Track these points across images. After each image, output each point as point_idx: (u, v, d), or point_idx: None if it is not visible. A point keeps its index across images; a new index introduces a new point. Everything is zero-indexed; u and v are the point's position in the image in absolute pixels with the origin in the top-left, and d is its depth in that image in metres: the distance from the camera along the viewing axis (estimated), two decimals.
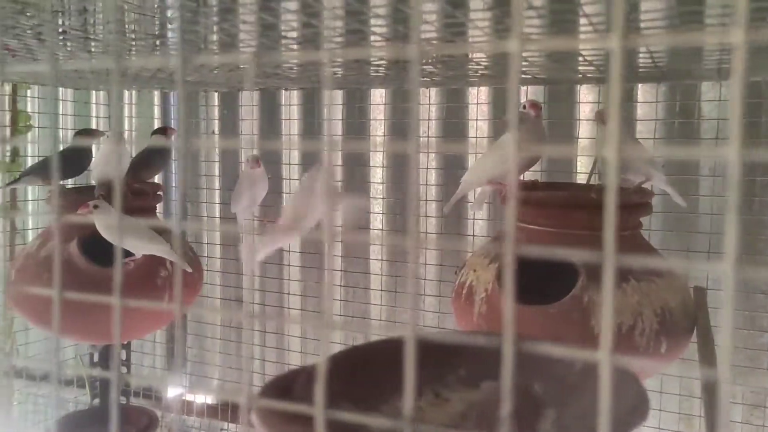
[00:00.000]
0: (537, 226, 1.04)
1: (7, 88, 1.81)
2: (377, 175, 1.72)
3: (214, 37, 1.03)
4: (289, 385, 0.49)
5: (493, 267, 1.05)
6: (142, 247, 1.32)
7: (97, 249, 1.31)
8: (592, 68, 1.22)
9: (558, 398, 0.52)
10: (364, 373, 0.54)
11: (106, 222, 1.24)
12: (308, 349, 1.80)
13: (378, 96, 1.70)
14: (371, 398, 0.52)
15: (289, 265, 1.79)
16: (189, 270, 1.39)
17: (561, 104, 1.51)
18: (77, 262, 1.32)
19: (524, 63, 1.19)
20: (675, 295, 0.98)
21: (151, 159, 1.48)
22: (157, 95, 1.93)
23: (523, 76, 1.36)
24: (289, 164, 1.78)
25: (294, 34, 0.95)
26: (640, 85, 1.42)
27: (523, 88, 1.56)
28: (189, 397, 1.87)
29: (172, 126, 1.89)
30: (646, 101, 1.42)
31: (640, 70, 1.17)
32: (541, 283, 0.95)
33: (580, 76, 1.35)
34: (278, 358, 1.82)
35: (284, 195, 1.77)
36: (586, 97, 1.50)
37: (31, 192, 1.85)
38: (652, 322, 0.94)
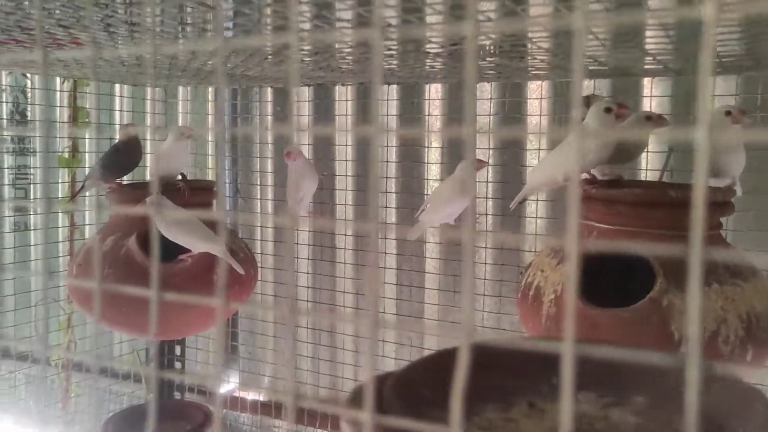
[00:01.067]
0: (608, 225, 0.99)
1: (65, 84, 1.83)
2: (432, 171, 1.68)
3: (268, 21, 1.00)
4: (378, 390, 0.47)
5: (562, 268, 1.01)
6: (197, 245, 1.32)
7: (159, 244, 1.31)
8: (654, 60, 1.17)
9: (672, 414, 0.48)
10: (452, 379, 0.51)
11: (162, 218, 1.24)
12: (362, 348, 1.78)
13: (433, 91, 1.67)
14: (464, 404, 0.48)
15: (344, 263, 1.77)
16: (241, 271, 1.37)
17: (627, 98, 1.45)
18: (136, 257, 1.32)
19: (587, 56, 1.14)
20: (762, 300, 0.92)
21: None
22: (211, 91, 1.93)
23: (588, 66, 1.31)
24: (346, 161, 1.75)
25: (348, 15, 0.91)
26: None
27: (587, 82, 1.51)
28: (241, 394, 1.87)
29: (228, 123, 1.90)
30: (724, 94, 1.35)
31: (722, 59, 1.11)
32: (623, 288, 0.91)
33: (648, 67, 1.29)
34: (331, 357, 1.81)
35: (337, 192, 1.75)
36: (652, 90, 1.43)
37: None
38: (737, 329, 0.88)
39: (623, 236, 0.97)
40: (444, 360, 0.55)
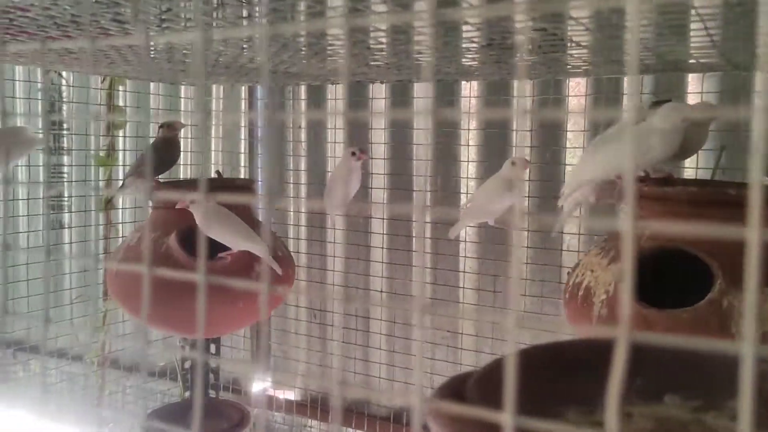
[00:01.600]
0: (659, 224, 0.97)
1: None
2: (467, 170, 1.66)
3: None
4: (461, 388, 0.46)
5: (613, 267, 0.99)
6: (237, 243, 1.32)
7: (196, 242, 1.31)
8: (702, 54, 1.14)
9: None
10: (534, 378, 0.50)
11: (203, 215, 1.24)
12: (395, 347, 1.76)
13: (468, 89, 1.65)
14: (542, 406, 0.47)
15: (380, 261, 1.76)
16: (279, 272, 1.37)
17: (672, 95, 1.42)
18: (176, 255, 1.32)
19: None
20: None
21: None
22: (244, 90, 1.93)
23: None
24: (383, 159, 1.74)
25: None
26: None
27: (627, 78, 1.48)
28: (274, 393, 1.86)
29: (260, 121, 1.90)
30: None
31: None
32: (680, 290, 0.89)
33: (693, 62, 1.26)
34: (364, 356, 1.80)
35: (371, 189, 1.74)
36: (703, 85, 1.41)
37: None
38: None
39: (679, 235, 0.95)
40: (524, 360, 0.53)
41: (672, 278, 0.99)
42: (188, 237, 1.35)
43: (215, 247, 1.32)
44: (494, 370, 0.49)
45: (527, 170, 1.21)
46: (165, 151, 1.42)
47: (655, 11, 0.90)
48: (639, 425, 0.45)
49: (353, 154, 1.27)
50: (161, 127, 1.48)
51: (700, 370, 0.51)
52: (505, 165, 1.20)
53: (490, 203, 1.20)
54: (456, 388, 0.46)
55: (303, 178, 1.87)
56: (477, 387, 0.46)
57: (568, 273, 1.12)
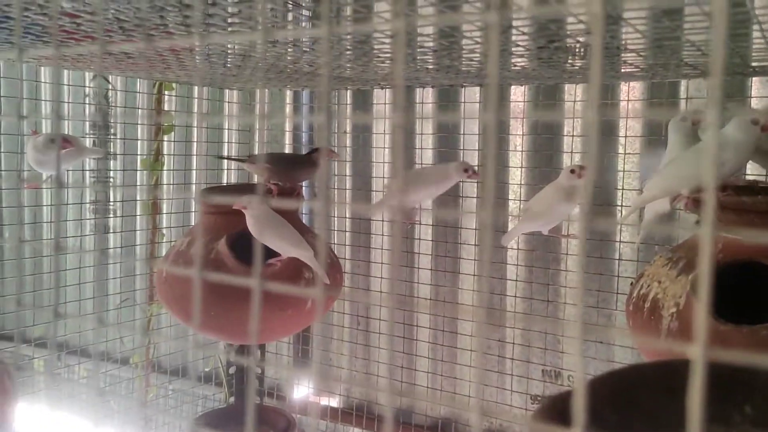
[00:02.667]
0: (736, 236, 0.93)
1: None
2: (516, 176, 1.63)
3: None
4: (564, 408, 0.43)
5: (684, 279, 0.95)
6: (287, 249, 1.30)
7: (246, 247, 1.30)
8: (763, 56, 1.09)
9: None
10: (632, 401, 0.47)
11: (255, 220, 1.23)
12: (437, 355, 1.74)
13: (519, 93, 1.62)
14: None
15: (429, 269, 1.74)
16: (326, 281, 1.35)
17: (730, 100, 1.38)
18: (226, 261, 1.32)
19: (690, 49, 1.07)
20: None
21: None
22: (289, 94, 1.92)
23: (684, 69, 1.24)
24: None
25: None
26: None
27: (683, 82, 1.44)
28: (317, 399, 1.85)
29: (305, 126, 1.89)
30: None
31: None
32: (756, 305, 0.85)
33: (756, 65, 1.21)
34: (407, 363, 1.77)
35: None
36: (758, 91, 1.36)
37: (173, 190, 1.88)
38: None
39: (753, 247, 0.91)
40: (627, 376, 0.51)
41: (747, 293, 0.95)
42: (238, 242, 1.34)
43: (264, 254, 1.31)
44: (596, 389, 0.47)
45: (584, 178, 1.17)
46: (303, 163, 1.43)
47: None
48: None
49: (465, 170, 1.22)
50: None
51: None
52: (563, 173, 1.17)
53: (549, 212, 1.17)
54: (559, 408, 0.44)
55: (347, 184, 1.85)
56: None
57: (631, 283, 1.08)
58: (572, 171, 1.15)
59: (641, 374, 0.52)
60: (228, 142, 1.96)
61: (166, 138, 1.89)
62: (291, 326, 1.45)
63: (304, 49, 0.97)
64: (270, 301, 1.28)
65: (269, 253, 1.33)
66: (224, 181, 1.95)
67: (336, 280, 1.42)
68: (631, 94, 1.52)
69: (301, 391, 1.89)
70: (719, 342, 0.84)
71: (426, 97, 1.71)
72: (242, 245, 1.33)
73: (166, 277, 1.37)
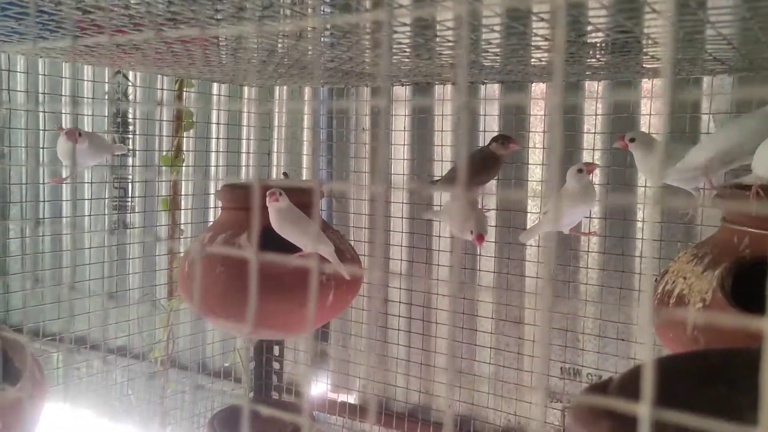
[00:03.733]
0: (765, 231, 0.92)
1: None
2: (536, 173, 1.63)
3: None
4: (603, 393, 0.43)
5: (710, 275, 0.94)
6: (308, 245, 1.31)
7: (268, 242, 1.31)
8: None
9: None
10: (674, 388, 0.47)
11: (278, 212, 1.24)
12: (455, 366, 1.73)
13: (538, 91, 1.62)
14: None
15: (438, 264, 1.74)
16: (346, 276, 1.35)
17: (752, 98, 1.37)
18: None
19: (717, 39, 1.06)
20: None
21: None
22: (308, 91, 1.93)
23: (712, 62, 1.23)
24: (441, 161, 1.72)
25: None
26: None
27: (707, 78, 1.43)
28: (333, 396, 1.85)
29: (323, 123, 1.89)
30: None
31: None
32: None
33: None
34: (425, 360, 1.77)
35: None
36: None
37: (191, 187, 1.90)
38: None
39: None
40: (664, 368, 0.50)
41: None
42: (259, 237, 1.34)
43: (286, 249, 1.32)
44: (634, 377, 0.47)
45: (595, 174, 1.16)
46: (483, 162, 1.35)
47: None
48: None
49: (579, 171, 1.15)
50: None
51: None
52: (570, 173, 1.14)
53: (568, 216, 1.17)
54: (598, 393, 0.44)
55: (365, 180, 1.86)
56: (618, 392, 0.44)
57: (656, 280, 1.07)
58: (579, 170, 1.13)
59: (675, 365, 0.52)
60: (246, 139, 1.97)
61: (185, 134, 1.91)
62: (312, 321, 1.46)
63: (330, 43, 0.98)
64: (290, 295, 1.29)
65: (290, 249, 1.33)
66: (242, 178, 1.96)
67: (355, 277, 1.42)
68: (650, 91, 1.51)
69: (319, 387, 1.90)
70: (746, 337, 0.84)
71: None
72: (265, 240, 1.34)
73: (188, 271, 1.38)
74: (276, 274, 1.28)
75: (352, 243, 1.83)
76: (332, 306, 1.38)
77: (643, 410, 0.31)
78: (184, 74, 1.59)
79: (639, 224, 1.51)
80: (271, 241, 1.24)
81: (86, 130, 1.59)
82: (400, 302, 1.78)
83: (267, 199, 1.20)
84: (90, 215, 2.01)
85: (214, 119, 1.95)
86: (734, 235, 0.96)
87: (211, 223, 1.67)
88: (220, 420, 1.47)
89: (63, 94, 1.99)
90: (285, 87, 1.94)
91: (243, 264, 1.30)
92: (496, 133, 1.64)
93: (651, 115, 1.49)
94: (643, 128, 1.49)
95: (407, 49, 1.17)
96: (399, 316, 1.78)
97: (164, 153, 1.80)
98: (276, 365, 1.77)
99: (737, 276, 0.94)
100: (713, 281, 0.93)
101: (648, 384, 0.29)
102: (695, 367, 0.52)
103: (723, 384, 0.47)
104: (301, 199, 1.44)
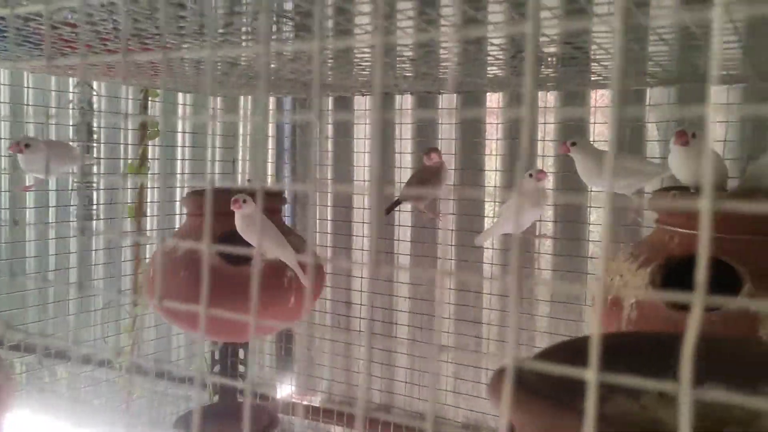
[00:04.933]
0: (692, 230, 1.00)
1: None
2: (492, 179, 1.70)
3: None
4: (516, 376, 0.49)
5: (643, 272, 1.02)
6: (271, 250, 1.35)
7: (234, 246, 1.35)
8: (729, 65, 1.16)
9: None
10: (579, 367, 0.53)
11: (243, 217, 1.28)
12: (416, 365, 1.79)
13: (494, 100, 1.69)
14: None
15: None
16: (306, 283, 1.39)
17: (691, 108, 1.45)
18: (212, 261, 1.36)
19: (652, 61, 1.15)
20: None
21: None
22: (272, 100, 1.98)
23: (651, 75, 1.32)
24: (401, 167, 1.78)
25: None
26: None
27: (649, 90, 1.51)
28: (298, 399, 1.89)
29: (287, 132, 1.94)
30: None
31: None
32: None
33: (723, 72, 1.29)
34: (387, 360, 1.83)
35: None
36: (720, 98, 1.44)
37: (157, 193, 1.92)
38: None
39: (710, 242, 0.98)
40: (572, 348, 0.57)
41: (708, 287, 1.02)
42: (223, 243, 1.38)
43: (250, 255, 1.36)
44: (547, 356, 0.53)
45: (546, 180, 1.24)
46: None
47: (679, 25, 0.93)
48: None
49: (530, 176, 1.22)
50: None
51: (740, 360, 0.54)
52: (525, 179, 1.22)
53: (518, 219, 1.24)
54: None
55: (329, 187, 1.91)
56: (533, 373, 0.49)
57: (596, 279, 1.15)
58: (530, 175, 1.21)
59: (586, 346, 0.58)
60: (212, 147, 2.01)
61: (150, 143, 1.94)
62: (275, 323, 1.50)
63: (289, 58, 1.03)
64: (249, 297, 1.33)
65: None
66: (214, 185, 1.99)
67: (315, 281, 1.47)
68: (600, 101, 1.59)
69: (284, 389, 1.94)
70: (674, 327, 0.91)
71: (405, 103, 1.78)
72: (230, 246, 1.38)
73: (153, 276, 1.41)
74: (237, 277, 1.33)
75: (316, 248, 1.88)
76: (294, 309, 1.43)
77: (590, 376, 0.31)
78: (149, 84, 1.63)
79: (590, 227, 1.59)
80: (238, 246, 1.28)
81: (50, 139, 1.61)
82: (360, 304, 1.84)
83: (232, 205, 1.24)
84: (55, 222, 2.03)
85: (180, 128, 1.98)
86: (666, 235, 1.04)
87: (176, 230, 1.70)
88: (183, 423, 1.50)
89: (26, 103, 2.01)
90: (250, 97, 1.98)
91: (208, 269, 1.34)
92: (453, 141, 1.71)
93: (596, 124, 1.57)
94: (592, 137, 1.57)
95: (363, 63, 1.24)
96: (361, 318, 1.83)
97: (129, 161, 1.83)
98: (241, 368, 1.80)
99: (668, 273, 1.02)
100: (645, 278, 1.00)
101: (594, 353, 0.31)
102: (605, 346, 0.58)
103: (624, 361, 0.54)
104: (265, 205, 1.50)
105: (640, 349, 0.61)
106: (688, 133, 1.01)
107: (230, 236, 1.34)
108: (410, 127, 1.77)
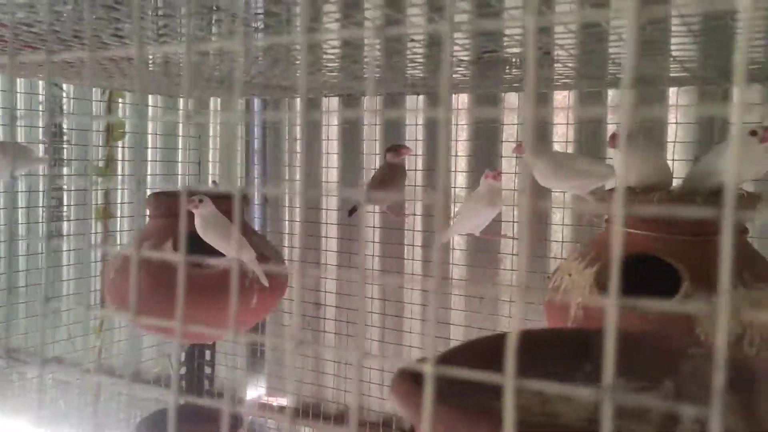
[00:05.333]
0: (638, 231, 1.02)
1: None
2: (457, 180, 1.71)
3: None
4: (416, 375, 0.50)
5: (589, 271, 1.03)
6: (230, 251, 1.35)
7: (195, 248, 1.35)
8: (681, 68, 1.18)
9: (695, 395, 0.51)
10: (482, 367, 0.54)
11: (203, 219, 1.29)
12: (387, 352, 1.80)
13: (458, 101, 1.70)
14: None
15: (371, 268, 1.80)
16: (265, 283, 1.39)
17: (650, 110, 1.47)
18: (172, 262, 1.37)
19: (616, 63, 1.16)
20: None
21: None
22: (242, 102, 1.98)
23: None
24: (366, 169, 1.79)
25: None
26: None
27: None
28: (268, 400, 1.90)
29: (257, 133, 1.95)
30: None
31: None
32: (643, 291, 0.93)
33: (674, 75, 1.30)
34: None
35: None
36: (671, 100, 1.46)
37: (127, 195, 1.92)
38: (762, 332, 0.90)
39: (652, 242, 1.00)
40: (483, 346, 0.58)
41: (649, 285, 1.04)
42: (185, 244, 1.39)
43: (214, 255, 1.37)
44: (449, 358, 0.54)
45: (500, 181, 1.26)
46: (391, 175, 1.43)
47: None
48: (583, 403, 0.50)
49: (486, 177, 1.26)
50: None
51: (645, 356, 0.55)
52: (481, 180, 1.25)
53: (474, 218, 1.27)
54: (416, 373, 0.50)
55: (298, 188, 1.91)
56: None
57: (548, 277, 1.16)
58: (486, 176, 1.23)
59: (492, 344, 0.59)
60: (182, 149, 2.01)
61: (118, 144, 1.94)
62: (236, 324, 1.50)
63: (259, 60, 1.04)
64: (212, 299, 1.33)
65: (216, 255, 1.38)
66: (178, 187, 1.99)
67: (279, 281, 1.47)
68: (564, 102, 1.61)
69: (254, 391, 1.94)
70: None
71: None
72: (190, 247, 1.38)
73: (114, 278, 1.42)
74: (198, 278, 1.33)
75: (287, 249, 1.89)
76: (257, 309, 1.43)
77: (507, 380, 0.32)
78: (118, 87, 1.63)
79: (553, 227, 1.60)
80: (198, 247, 1.29)
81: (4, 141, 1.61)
82: (325, 305, 1.84)
83: (188, 205, 1.25)
84: (26, 223, 2.02)
85: (150, 129, 1.98)
86: (612, 235, 1.05)
87: (139, 232, 1.70)
88: (147, 424, 1.50)
89: None
90: (219, 99, 1.99)
91: (165, 269, 1.35)
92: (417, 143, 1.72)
93: (557, 125, 1.59)
94: (554, 137, 1.59)
95: (329, 65, 1.24)
96: (326, 319, 1.84)
97: (96, 163, 1.83)
98: (208, 370, 1.80)
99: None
100: (591, 277, 1.02)
101: (511, 353, 0.31)
102: (500, 348, 0.59)
103: (532, 356, 0.55)
104: (229, 206, 1.50)
105: (559, 346, 0.62)
106: (620, 136, 1.03)
107: (191, 237, 1.34)
108: (377, 129, 1.79)
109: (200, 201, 1.25)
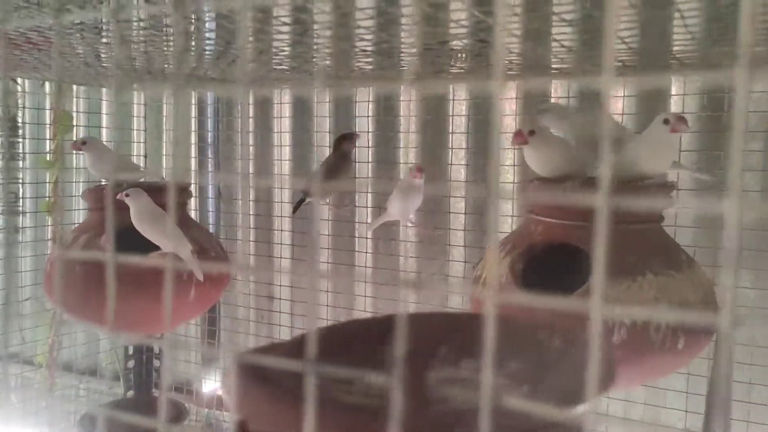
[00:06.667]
0: (554, 219, 1.02)
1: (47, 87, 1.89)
2: (403, 173, 1.71)
3: None
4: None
5: (506, 260, 1.03)
6: (165, 243, 1.35)
7: (131, 243, 1.34)
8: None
9: (533, 376, 0.52)
10: (341, 353, 0.54)
11: (137, 211, 1.28)
12: None
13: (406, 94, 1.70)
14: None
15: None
16: (200, 277, 1.38)
17: (594, 99, 1.47)
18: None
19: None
20: (695, 291, 0.94)
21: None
22: (194, 95, 1.97)
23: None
24: (318, 162, 1.79)
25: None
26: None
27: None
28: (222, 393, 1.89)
29: (210, 124, 1.94)
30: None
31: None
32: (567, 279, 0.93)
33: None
34: None
35: None
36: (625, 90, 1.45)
37: (76, 188, 1.91)
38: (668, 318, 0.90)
39: (566, 229, 1.00)
40: (334, 335, 0.57)
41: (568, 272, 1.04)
42: (119, 238, 1.38)
43: (149, 248, 1.36)
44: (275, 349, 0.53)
45: (420, 178, 1.30)
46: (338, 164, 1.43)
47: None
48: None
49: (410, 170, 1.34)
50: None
51: (500, 341, 0.55)
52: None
53: (392, 209, 1.36)
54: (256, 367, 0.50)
55: (251, 181, 1.91)
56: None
57: (473, 267, 1.16)
58: (410, 170, 1.28)
59: (363, 326, 0.59)
60: (136, 143, 2.00)
61: (66, 137, 1.92)
62: (177, 317, 1.50)
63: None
64: (146, 293, 1.32)
65: (153, 247, 1.37)
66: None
67: (219, 274, 1.47)
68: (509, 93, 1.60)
69: (209, 384, 1.94)
70: (525, 311, 0.92)
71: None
72: (125, 240, 1.37)
73: (49, 271, 1.41)
74: (132, 272, 1.32)
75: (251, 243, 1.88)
76: (195, 303, 1.43)
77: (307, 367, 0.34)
78: (58, 77, 1.62)
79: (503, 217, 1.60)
80: (137, 240, 1.28)
81: None
82: (280, 299, 1.84)
83: (118, 196, 1.24)
84: None
85: (104, 123, 1.97)
86: (531, 224, 1.05)
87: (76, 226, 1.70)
88: (89, 419, 1.50)
89: None
90: (167, 91, 1.98)
91: (100, 263, 1.34)
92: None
93: (507, 116, 1.59)
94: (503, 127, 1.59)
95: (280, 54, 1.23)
96: (281, 312, 1.84)
97: (42, 156, 1.82)
98: (156, 363, 1.80)
99: (532, 260, 1.03)
100: (506, 266, 1.01)
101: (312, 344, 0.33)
102: (379, 329, 0.59)
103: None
104: (165, 199, 1.49)
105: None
106: (525, 132, 1.02)
107: (124, 231, 1.34)
108: (327, 120, 1.78)
109: (126, 195, 1.24)
